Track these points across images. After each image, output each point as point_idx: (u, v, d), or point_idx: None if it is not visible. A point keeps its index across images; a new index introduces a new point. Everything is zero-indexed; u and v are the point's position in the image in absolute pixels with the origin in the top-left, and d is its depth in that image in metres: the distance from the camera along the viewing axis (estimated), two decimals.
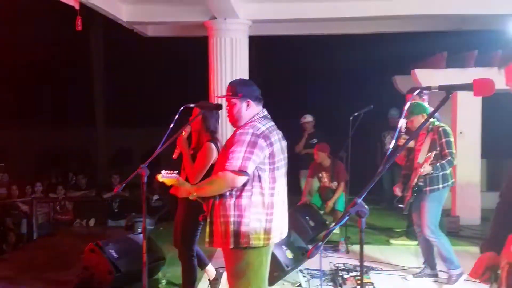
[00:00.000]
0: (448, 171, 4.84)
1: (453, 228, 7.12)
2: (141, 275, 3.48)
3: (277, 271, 4.95)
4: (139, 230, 5.80)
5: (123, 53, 14.09)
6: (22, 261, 6.20)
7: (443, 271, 5.08)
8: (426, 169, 4.73)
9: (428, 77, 7.68)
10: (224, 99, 3.38)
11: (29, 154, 14.10)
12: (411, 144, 5.30)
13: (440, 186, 4.85)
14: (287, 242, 5.24)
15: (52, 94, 15.01)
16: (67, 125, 14.85)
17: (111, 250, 5.08)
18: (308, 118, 8.27)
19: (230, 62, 7.38)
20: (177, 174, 3.18)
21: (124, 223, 8.39)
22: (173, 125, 3.32)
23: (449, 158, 4.73)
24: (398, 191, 5.23)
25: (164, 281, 5.17)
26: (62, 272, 5.61)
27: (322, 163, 7.38)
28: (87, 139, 14.93)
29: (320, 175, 7.47)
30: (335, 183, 7.32)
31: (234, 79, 3.59)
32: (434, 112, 2.24)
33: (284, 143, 3.29)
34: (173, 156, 4.04)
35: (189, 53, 11.02)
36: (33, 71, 14.24)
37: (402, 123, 5.05)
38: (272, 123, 3.25)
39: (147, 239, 3.54)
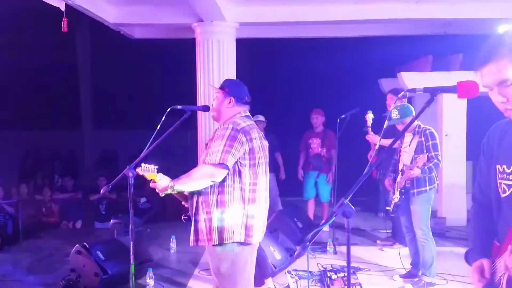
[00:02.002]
0: (433, 173, 4.91)
1: (439, 229, 7.20)
2: (128, 277, 3.48)
3: (265, 271, 4.96)
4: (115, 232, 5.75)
5: (110, 56, 14.00)
6: (8, 263, 6.15)
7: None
8: (416, 172, 4.79)
9: (414, 80, 7.76)
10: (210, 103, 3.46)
11: (14, 155, 13.95)
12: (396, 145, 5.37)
13: (427, 188, 4.92)
14: (275, 243, 5.27)
15: (38, 96, 14.87)
16: (52, 127, 14.72)
17: (98, 252, 5.06)
18: (260, 117, 8.02)
19: (218, 65, 7.38)
20: (156, 168, 3.17)
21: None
22: (160, 127, 3.33)
23: (435, 161, 4.79)
24: (388, 185, 5.26)
25: (151, 283, 5.16)
26: (49, 275, 5.59)
27: (316, 128, 7.54)
28: (73, 141, 14.82)
29: (310, 141, 7.55)
30: (324, 149, 7.46)
31: (221, 81, 3.64)
32: (419, 114, 2.28)
33: (265, 142, 3.35)
34: None
35: (176, 56, 11.00)
36: (19, 73, 14.10)
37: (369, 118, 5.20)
38: (253, 122, 3.31)
39: (134, 240, 3.54)
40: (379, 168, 6.53)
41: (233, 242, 3.12)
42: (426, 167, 4.79)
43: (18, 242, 7.32)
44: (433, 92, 2.08)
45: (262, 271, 4.76)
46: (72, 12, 6.04)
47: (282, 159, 8.13)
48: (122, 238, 5.49)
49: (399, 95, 2.17)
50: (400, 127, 5.05)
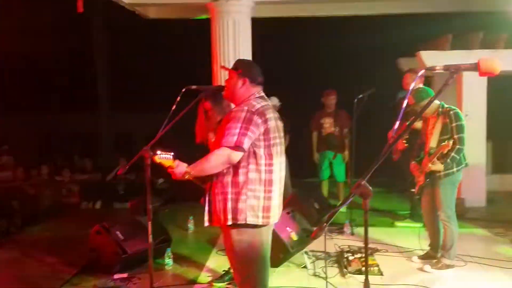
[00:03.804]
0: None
1: (458, 211, 7.08)
2: (147, 256, 3.52)
3: (282, 253, 4.99)
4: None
5: (125, 36, 14.01)
6: (29, 244, 6.26)
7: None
8: (437, 166, 4.73)
9: (433, 59, 7.62)
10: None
11: (34, 137, 14.13)
12: (418, 125, 5.28)
13: (455, 169, 4.81)
14: (292, 224, 5.27)
15: (56, 80, 14.98)
16: (71, 108, 14.83)
17: (117, 232, 5.12)
18: (274, 101, 7.91)
19: (233, 44, 7.33)
20: (172, 155, 3.18)
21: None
22: (175, 107, 3.33)
23: (458, 146, 4.68)
24: (413, 169, 5.12)
25: (170, 262, 5.21)
26: (69, 255, 5.67)
27: (328, 107, 7.51)
28: (92, 123, 14.94)
29: (322, 121, 7.51)
30: (338, 129, 7.44)
31: None
32: (439, 93, 2.23)
33: (280, 123, 3.32)
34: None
35: (191, 36, 10.94)
36: (37, 56, 14.20)
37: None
38: (268, 102, 3.28)
39: (152, 220, 3.57)
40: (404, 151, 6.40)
41: (247, 223, 3.12)
42: (448, 159, 4.69)
43: (39, 222, 7.45)
44: (454, 70, 2.03)
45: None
46: None
47: (295, 140, 8.09)
48: (141, 218, 5.54)
49: (419, 73, 2.11)
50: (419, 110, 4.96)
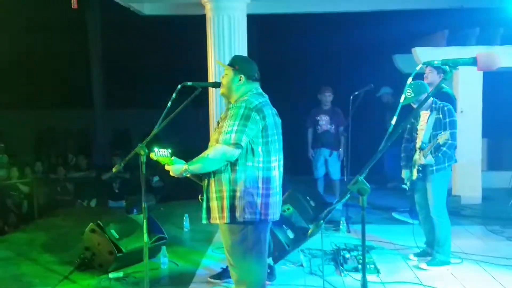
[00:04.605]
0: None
1: (454, 208, 7.12)
2: (142, 254, 3.49)
3: (278, 251, 4.96)
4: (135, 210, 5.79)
5: (120, 33, 13.96)
6: (23, 242, 6.22)
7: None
8: (428, 160, 4.73)
9: (429, 55, 7.61)
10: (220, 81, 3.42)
11: (28, 135, 14.07)
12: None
13: (446, 164, 4.83)
14: (288, 222, 5.25)
15: (50, 76, 14.92)
16: (65, 106, 14.78)
17: (112, 230, 5.09)
18: None
19: (229, 41, 7.30)
20: (170, 151, 3.15)
21: (124, 203, 8.42)
22: (171, 104, 3.30)
23: (449, 141, 4.70)
24: (404, 175, 5.16)
25: (166, 261, 5.18)
26: (64, 253, 5.63)
27: (324, 104, 7.45)
28: (86, 120, 14.90)
29: (318, 118, 7.48)
30: (333, 126, 7.40)
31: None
32: (436, 88, 2.20)
33: (278, 120, 3.30)
34: None
35: (187, 32, 10.91)
36: (31, 54, 14.14)
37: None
38: (266, 99, 3.26)
39: (147, 219, 3.54)
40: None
41: (245, 221, 3.10)
42: (440, 154, 4.72)
43: (33, 220, 7.40)
44: (452, 65, 2.00)
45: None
46: None
47: (292, 137, 8.08)
48: (136, 217, 5.50)
49: (416, 68, 2.07)
50: (415, 106, 4.95)
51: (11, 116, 13.89)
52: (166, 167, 3.18)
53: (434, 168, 4.82)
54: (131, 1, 7.89)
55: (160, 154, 3.13)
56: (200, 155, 3.13)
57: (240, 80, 3.24)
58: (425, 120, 4.89)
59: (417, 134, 4.98)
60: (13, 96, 14.10)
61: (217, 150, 3.06)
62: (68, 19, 11.91)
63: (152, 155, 3.16)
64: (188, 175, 3.17)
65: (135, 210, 5.89)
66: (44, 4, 12.21)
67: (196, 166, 3.11)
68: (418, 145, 4.92)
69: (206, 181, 3.18)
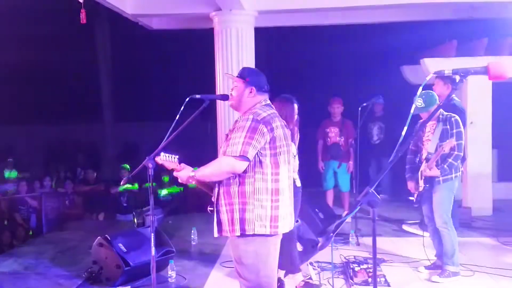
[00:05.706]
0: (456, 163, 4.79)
1: (464, 220, 7.03)
2: (150, 268, 3.46)
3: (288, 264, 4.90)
4: (148, 223, 5.77)
5: (129, 47, 14.07)
6: (31, 256, 6.21)
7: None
8: (434, 172, 4.71)
9: (438, 66, 7.52)
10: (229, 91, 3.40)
11: (37, 149, 14.14)
12: None
13: (453, 175, 4.80)
14: (297, 234, 5.20)
15: (59, 90, 15.03)
16: (74, 120, 14.86)
17: (120, 244, 5.06)
18: None
19: (236, 54, 7.31)
20: (177, 158, 3.15)
21: (132, 217, 8.39)
22: (179, 117, 3.29)
23: (455, 153, 4.68)
24: (411, 188, 5.12)
25: (173, 274, 5.14)
26: (72, 267, 5.62)
27: (334, 116, 7.43)
28: (95, 134, 14.96)
29: (328, 130, 7.45)
30: (342, 138, 7.36)
31: None
32: (448, 98, 2.18)
33: (287, 131, 3.28)
34: None
35: (195, 46, 10.97)
36: (40, 67, 14.26)
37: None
38: (274, 111, 3.24)
39: (155, 232, 3.51)
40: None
41: (255, 233, 3.07)
42: (445, 165, 4.71)
43: (42, 234, 7.40)
44: (463, 74, 1.98)
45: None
46: (90, 3, 6.02)
47: (301, 149, 8.04)
48: (144, 230, 5.48)
49: (427, 78, 2.05)
50: (424, 116, 4.91)
51: (20, 131, 13.98)
52: (175, 173, 3.18)
53: (440, 178, 4.78)
54: (140, 16, 7.94)
55: (167, 158, 3.14)
56: (207, 164, 3.13)
57: (251, 92, 3.23)
58: (431, 131, 4.86)
59: (423, 145, 4.95)
60: (22, 110, 14.21)
61: (223, 161, 3.05)
62: (77, 34, 12.02)
63: (157, 159, 3.19)
64: (194, 182, 3.16)
65: (143, 224, 5.87)
66: (53, 18, 12.34)
67: (201, 173, 3.11)
68: (424, 155, 4.89)
69: (216, 193, 3.17)
